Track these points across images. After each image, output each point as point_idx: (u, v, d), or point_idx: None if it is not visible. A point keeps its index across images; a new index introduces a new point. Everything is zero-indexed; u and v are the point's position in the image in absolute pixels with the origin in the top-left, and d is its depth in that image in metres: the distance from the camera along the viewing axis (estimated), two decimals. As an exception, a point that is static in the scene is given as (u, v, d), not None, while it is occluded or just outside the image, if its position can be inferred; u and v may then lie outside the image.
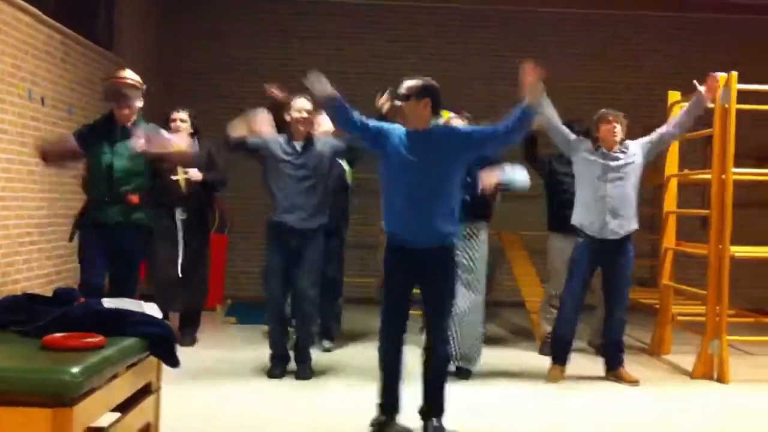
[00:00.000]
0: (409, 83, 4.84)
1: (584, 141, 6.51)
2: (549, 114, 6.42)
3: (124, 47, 9.37)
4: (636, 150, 6.44)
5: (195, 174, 7.08)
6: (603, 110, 6.53)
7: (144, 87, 6.00)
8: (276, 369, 6.32)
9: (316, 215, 6.31)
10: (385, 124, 5.00)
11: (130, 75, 5.97)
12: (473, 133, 4.91)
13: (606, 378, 6.51)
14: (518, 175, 6.07)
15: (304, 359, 6.37)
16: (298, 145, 6.31)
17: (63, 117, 7.66)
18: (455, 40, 11.18)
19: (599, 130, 6.44)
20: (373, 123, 4.97)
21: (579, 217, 6.49)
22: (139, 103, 5.94)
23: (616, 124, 6.40)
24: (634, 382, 6.37)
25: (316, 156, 6.32)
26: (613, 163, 6.36)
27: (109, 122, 5.93)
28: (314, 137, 6.44)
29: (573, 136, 6.54)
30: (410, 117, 4.82)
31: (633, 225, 6.42)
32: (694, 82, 6.43)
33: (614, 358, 6.53)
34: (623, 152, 6.41)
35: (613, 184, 6.34)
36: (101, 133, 5.88)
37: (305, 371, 6.31)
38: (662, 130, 6.55)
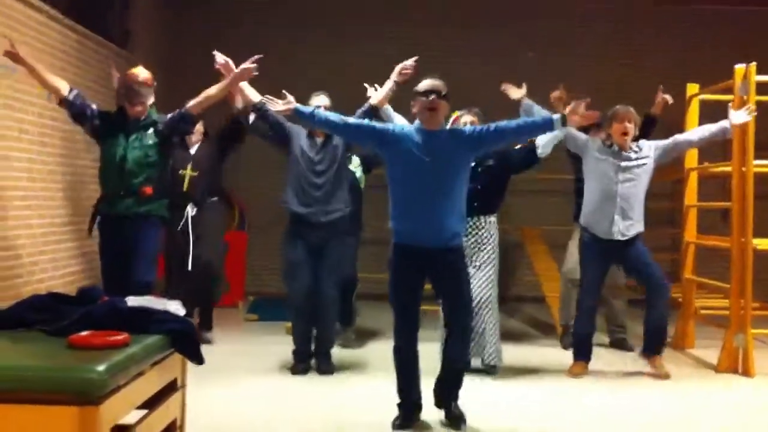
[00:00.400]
0: (438, 81, 4.86)
1: (595, 140, 6.45)
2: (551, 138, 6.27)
3: (136, 46, 9.40)
4: (649, 152, 6.36)
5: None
6: (617, 107, 6.44)
7: (155, 84, 6.04)
8: (299, 365, 6.33)
9: (336, 208, 6.32)
10: (392, 126, 5.01)
11: (142, 72, 6.01)
12: (482, 133, 4.87)
13: (641, 358, 6.52)
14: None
15: (325, 354, 6.39)
16: (318, 141, 6.33)
17: (82, 116, 7.69)
18: (456, 40, 11.10)
19: (612, 127, 6.38)
20: (379, 125, 4.99)
21: (586, 217, 6.45)
22: (151, 99, 6.00)
23: (628, 123, 6.32)
24: (664, 376, 6.33)
25: (333, 150, 6.34)
26: (624, 164, 6.30)
27: (122, 116, 5.98)
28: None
29: (584, 137, 6.48)
30: (441, 115, 4.87)
31: (640, 227, 6.37)
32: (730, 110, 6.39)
33: (652, 343, 6.45)
34: (635, 152, 6.34)
35: (623, 185, 6.29)
36: (115, 125, 5.92)
37: (327, 365, 6.33)
38: (679, 137, 6.48)
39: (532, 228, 9.96)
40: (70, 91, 5.90)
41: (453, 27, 11.12)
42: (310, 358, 6.41)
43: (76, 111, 5.89)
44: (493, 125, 4.88)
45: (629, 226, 6.30)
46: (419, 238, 4.78)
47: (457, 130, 5.07)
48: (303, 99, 6.34)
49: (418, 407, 4.99)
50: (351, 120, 5.11)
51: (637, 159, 6.33)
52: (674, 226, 9.82)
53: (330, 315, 6.44)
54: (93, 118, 5.90)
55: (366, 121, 5.13)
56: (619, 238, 6.30)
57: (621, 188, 6.28)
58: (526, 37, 11.05)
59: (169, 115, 5.93)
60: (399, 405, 4.97)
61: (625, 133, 6.31)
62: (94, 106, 5.95)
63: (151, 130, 5.94)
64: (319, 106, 5.84)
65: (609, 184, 6.29)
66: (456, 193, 4.80)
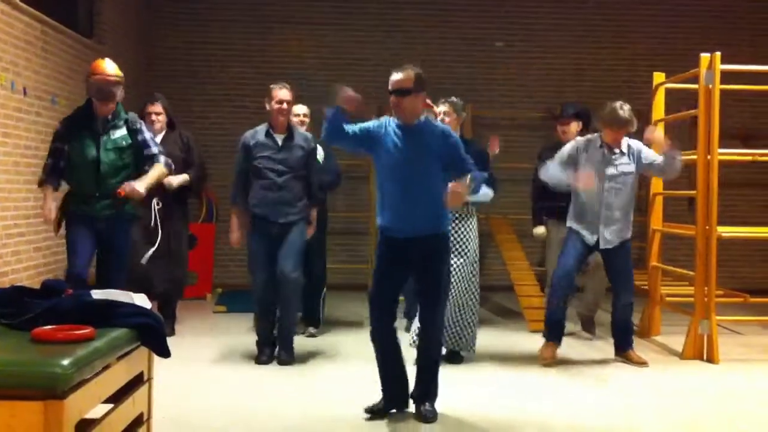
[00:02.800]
0: (403, 75, 4.83)
1: (581, 152, 6.37)
2: (557, 178, 6.40)
3: (104, 34, 9.29)
4: (635, 158, 6.37)
5: (178, 180, 7.00)
6: (614, 114, 6.26)
7: (123, 79, 6.00)
8: (263, 355, 6.34)
9: (296, 209, 6.34)
10: (372, 124, 4.99)
11: (111, 69, 5.95)
12: (451, 149, 4.90)
13: (615, 359, 6.53)
14: (482, 190, 6.05)
15: (286, 344, 6.36)
16: (279, 139, 6.34)
17: (46, 107, 7.60)
18: (437, 24, 11.13)
19: (606, 132, 6.36)
20: (360, 127, 4.97)
21: (573, 221, 6.47)
22: (120, 95, 5.97)
23: (622, 135, 6.35)
24: (643, 364, 6.40)
25: (295, 149, 6.34)
26: (611, 171, 6.32)
27: (89, 115, 5.93)
28: (294, 129, 6.47)
29: (568, 153, 6.38)
30: (409, 112, 4.87)
31: (627, 234, 6.42)
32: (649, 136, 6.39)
33: (623, 340, 6.54)
34: (623, 156, 6.35)
35: (610, 192, 6.32)
36: (82, 126, 5.89)
37: (286, 356, 6.31)
38: (655, 162, 6.37)
39: (500, 217, 9.99)
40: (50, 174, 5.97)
41: (435, 11, 11.15)
42: (274, 347, 6.40)
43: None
44: (461, 153, 4.92)
45: (615, 232, 6.35)
46: (402, 229, 4.85)
47: (430, 125, 5.02)
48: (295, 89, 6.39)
49: (404, 400, 5.01)
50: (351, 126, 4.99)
51: (624, 166, 6.35)
52: (641, 214, 9.91)
53: (290, 299, 6.35)
54: (61, 141, 5.95)
55: (357, 126, 4.99)
56: (606, 246, 6.37)
57: (608, 196, 6.33)
58: (509, 20, 11.14)
59: (143, 138, 5.99)
60: (383, 394, 5.02)
61: (619, 144, 6.35)
62: (59, 146, 5.96)
63: (123, 131, 5.94)
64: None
65: (597, 192, 6.30)
66: (432, 184, 4.83)
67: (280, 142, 6.34)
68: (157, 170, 6.00)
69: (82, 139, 5.86)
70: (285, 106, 6.34)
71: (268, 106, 6.37)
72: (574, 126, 7.44)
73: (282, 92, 6.35)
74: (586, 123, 7.46)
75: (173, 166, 6.32)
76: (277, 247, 6.29)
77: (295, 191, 6.34)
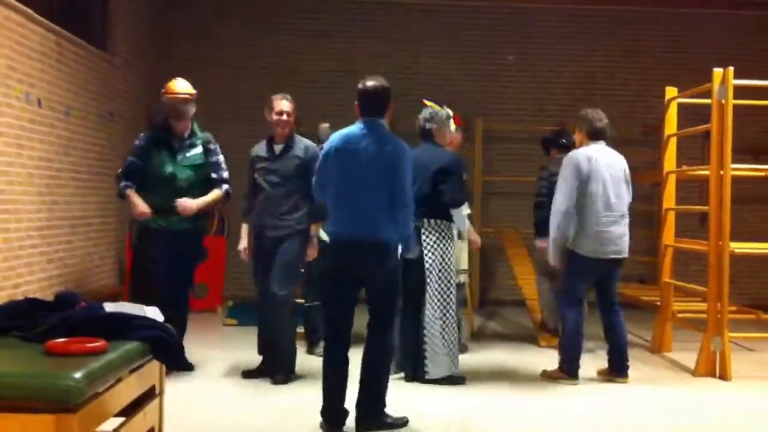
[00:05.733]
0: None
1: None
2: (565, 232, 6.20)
3: (117, 47, 9.35)
4: None
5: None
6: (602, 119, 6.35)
7: (195, 95, 6.43)
8: (254, 370, 6.30)
9: (288, 222, 6.14)
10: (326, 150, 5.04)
11: (181, 88, 6.37)
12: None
13: (600, 376, 6.46)
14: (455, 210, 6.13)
15: (277, 363, 6.15)
16: (277, 149, 6.25)
17: (60, 119, 7.64)
18: (446, 37, 11.15)
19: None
20: (323, 169, 5.03)
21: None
22: (192, 111, 6.40)
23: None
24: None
25: (290, 159, 6.22)
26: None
27: (167, 132, 6.36)
28: (294, 140, 6.31)
29: (580, 178, 6.17)
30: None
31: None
32: None
33: (622, 364, 6.40)
34: None
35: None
36: (160, 142, 6.32)
37: (278, 376, 6.09)
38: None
39: (510, 230, 9.98)
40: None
41: (445, 23, 11.18)
42: (265, 362, 6.29)
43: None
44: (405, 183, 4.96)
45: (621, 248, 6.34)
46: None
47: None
48: (296, 96, 6.40)
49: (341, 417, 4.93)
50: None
51: None
52: (652, 229, 9.89)
53: (278, 318, 6.08)
54: (140, 158, 6.33)
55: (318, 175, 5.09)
56: (614, 256, 6.32)
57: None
58: (519, 33, 11.16)
59: (214, 160, 6.45)
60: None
61: None
62: (134, 161, 6.34)
63: (199, 149, 6.39)
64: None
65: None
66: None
67: (276, 152, 6.25)
68: (214, 195, 6.39)
69: (160, 156, 6.28)
70: (284, 117, 6.20)
71: (268, 117, 6.30)
72: (554, 152, 7.69)
73: (282, 103, 6.24)
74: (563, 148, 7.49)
75: (230, 196, 6.58)
76: (272, 262, 6.11)
77: (289, 203, 6.13)
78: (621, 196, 6.25)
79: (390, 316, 4.97)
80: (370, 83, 4.99)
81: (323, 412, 4.89)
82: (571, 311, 6.27)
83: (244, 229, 6.51)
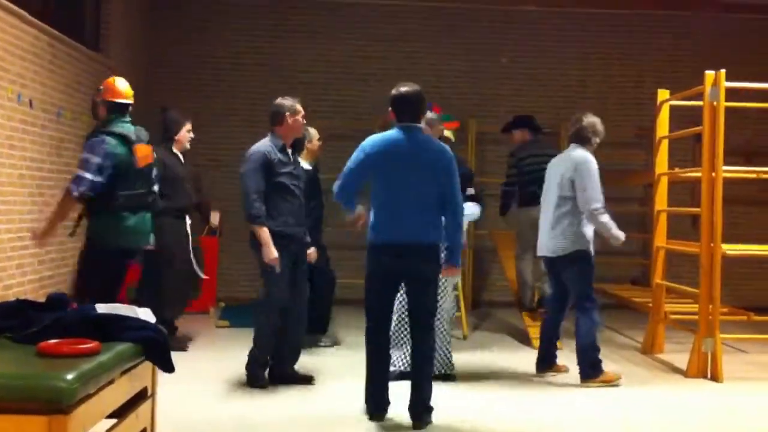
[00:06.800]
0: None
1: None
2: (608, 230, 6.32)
3: (111, 47, 9.33)
4: None
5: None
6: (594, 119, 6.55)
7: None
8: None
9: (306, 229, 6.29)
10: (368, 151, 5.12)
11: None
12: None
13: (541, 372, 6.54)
14: (469, 210, 6.18)
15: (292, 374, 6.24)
16: (290, 155, 6.18)
17: (52, 119, 7.62)
18: (441, 39, 11.15)
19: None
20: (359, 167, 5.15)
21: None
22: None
23: None
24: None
25: (301, 167, 6.34)
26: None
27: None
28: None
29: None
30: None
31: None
32: None
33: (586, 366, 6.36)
34: None
35: None
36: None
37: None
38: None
39: (502, 232, 9.98)
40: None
41: (439, 26, 11.17)
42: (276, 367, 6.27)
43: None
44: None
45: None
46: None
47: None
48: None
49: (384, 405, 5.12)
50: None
51: None
52: (645, 231, 9.90)
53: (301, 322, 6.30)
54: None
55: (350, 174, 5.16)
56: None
57: None
58: (513, 35, 11.18)
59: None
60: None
61: None
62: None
63: None
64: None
65: None
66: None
67: (292, 158, 6.15)
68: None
69: None
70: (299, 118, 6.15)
71: (290, 120, 6.04)
72: (517, 135, 8.42)
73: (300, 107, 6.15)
74: (531, 129, 8.37)
75: (79, 193, 5.89)
76: (297, 268, 6.12)
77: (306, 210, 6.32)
78: None
79: (432, 320, 5.14)
80: (404, 89, 5.10)
81: (368, 399, 5.13)
82: (597, 314, 6.37)
83: (266, 234, 5.87)
